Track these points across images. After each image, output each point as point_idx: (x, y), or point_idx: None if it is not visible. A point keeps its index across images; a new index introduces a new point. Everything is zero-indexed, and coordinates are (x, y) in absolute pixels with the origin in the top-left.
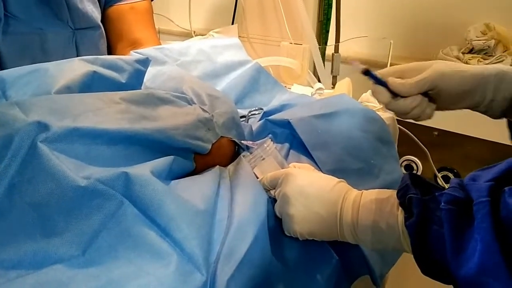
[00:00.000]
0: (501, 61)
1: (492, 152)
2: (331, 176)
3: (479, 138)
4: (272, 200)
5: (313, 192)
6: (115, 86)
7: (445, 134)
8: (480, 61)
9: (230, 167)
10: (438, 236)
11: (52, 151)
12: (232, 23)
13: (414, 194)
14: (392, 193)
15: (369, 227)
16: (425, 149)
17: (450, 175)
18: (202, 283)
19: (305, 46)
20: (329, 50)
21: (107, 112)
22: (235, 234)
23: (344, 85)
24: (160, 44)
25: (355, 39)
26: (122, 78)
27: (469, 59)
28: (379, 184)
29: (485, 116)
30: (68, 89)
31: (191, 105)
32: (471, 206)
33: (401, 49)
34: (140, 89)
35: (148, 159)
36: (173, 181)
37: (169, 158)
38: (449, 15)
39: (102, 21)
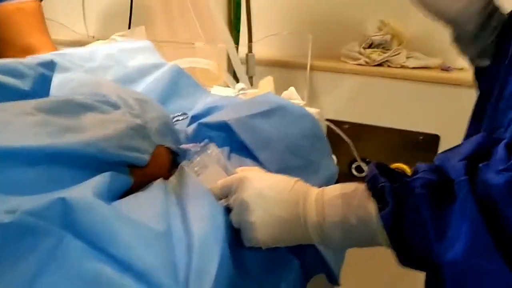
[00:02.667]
0: (398, 54)
1: (400, 140)
2: (286, 176)
3: (387, 128)
4: (225, 210)
5: (273, 195)
6: (17, 95)
7: (355, 126)
8: (380, 55)
9: (172, 179)
10: (416, 223)
11: None
12: (129, 27)
13: (385, 182)
14: (357, 186)
15: (338, 224)
16: (349, 140)
17: (363, 165)
18: None
19: (221, 46)
20: (241, 51)
21: (18, 126)
22: (200, 255)
23: (268, 84)
24: (57, 49)
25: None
26: (24, 85)
27: (371, 53)
28: (320, 179)
29: (394, 106)
30: None
31: (117, 110)
32: (446, 187)
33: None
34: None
35: (79, 179)
36: (115, 202)
37: (106, 175)
38: (346, 13)
39: None
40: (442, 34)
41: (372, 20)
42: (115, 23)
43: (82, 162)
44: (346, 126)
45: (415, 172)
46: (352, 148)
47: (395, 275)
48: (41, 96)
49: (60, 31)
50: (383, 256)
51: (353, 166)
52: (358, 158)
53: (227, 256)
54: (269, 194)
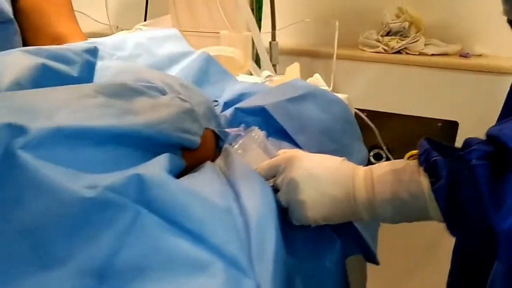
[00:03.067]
0: (416, 41)
1: (419, 127)
2: (332, 156)
3: (405, 115)
4: (273, 190)
5: (322, 174)
6: (67, 81)
7: (373, 114)
8: (398, 42)
9: (219, 161)
10: (472, 194)
11: (37, 159)
12: (145, 17)
13: (438, 156)
14: (407, 162)
15: (388, 200)
16: (375, 128)
17: (382, 152)
18: (255, 287)
19: (247, 34)
20: (263, 39)
21: (85, 107)
22: (258, 232)
23: (295, 70)
24: (86, 39)
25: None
26: (73, 71)
27: (389, 41)
28: (353, 162)
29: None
30: (18, 86)
31: (165, 95)
32: (503, 157)
33: (321, 36)
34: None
35: (139, 160)
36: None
37: (165, 156)
38: (364, 1)
39: (14, 15)
40: (461, 21)
41: (390, 8)
42: (132, 13)
43: (141, 144)
44: (364, 113)
45: (467, 146)
46: (377, 134)
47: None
48: (87, 82)
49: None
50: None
51: (371, 153)
52: (382, 144)
53: (280, 234)
54: (318, 172)
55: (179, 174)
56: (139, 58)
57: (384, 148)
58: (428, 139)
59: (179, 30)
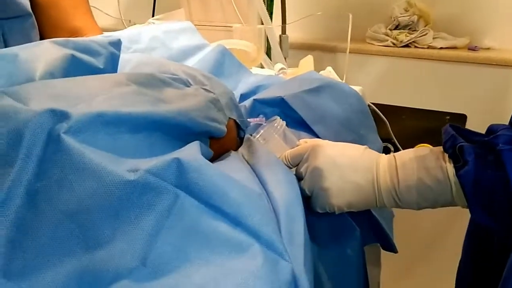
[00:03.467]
0: (425, 34)
1: (427, 120)
2: (355, 144)
3: (414, 108)
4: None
5: (346, 161)
6: (94, 73)
7: (381, 107)
8: (407, 36)
9: (242, 150)
10: (497, 179)
11: (81, 143)
12: (153, 11)
13: (463, 142)
14: (431, 149)
15: (414, 186)
16: (385, 118)
17: (390, 145)
18: (290, 270)
19: (260, 28)
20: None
21: (120, 94)
22: (287, 217)
23: (308, 63)
24: (102, 32)
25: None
26: (99, 63)
27: (397, 35)
28: None
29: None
30: (51, 76)
31: (189, 86)
32: None
33: (330, 30)
34: None
35: (171, 147)
36: None
37: (196, 144)
38: None
39: (32, 9)
40: (469, 14)
41: (399, 1)
42: (141, 7)
43: (173, 131)
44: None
45: (491, 132)
46: (388, 127)
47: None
48: None
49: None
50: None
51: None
52: (393, 137)
53: (305, 220)
54: (342, 160)
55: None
56: (155, 51)
57: (396, 141)
58: (452, 126)
59: (193, 23)
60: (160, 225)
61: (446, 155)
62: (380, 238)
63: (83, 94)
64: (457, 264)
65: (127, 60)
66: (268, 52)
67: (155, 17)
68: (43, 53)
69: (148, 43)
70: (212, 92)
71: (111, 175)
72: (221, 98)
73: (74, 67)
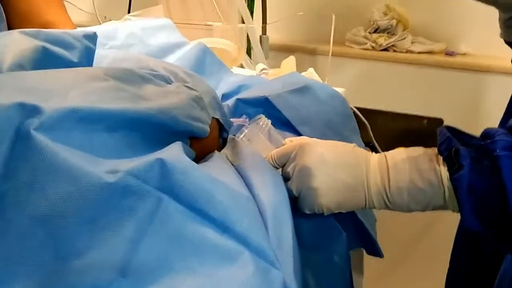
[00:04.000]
0: (403, 38)
1: (405, 124)
2: (344, 142)
3: (392, 112)
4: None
5: (335, 159)
6: (66, 67)
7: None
8: (386, 39)
9: (226, 151)
10: (493, 185)
11: (54, 141)
12: (129, 8)
13: (459, 145)
14: (425, 150)
15: (405, 188)
16: (366, 122)
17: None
18: (282, 279)
19: (241, 27)
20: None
21: (97, 90)
22: (274, 220)
23: (291, 64)
24: (76, 27)
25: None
26: (73, 57)
27: (377, 38)
28: None
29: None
30: (20, 68)
31: (170, 83)
32: None
33: (311, 31)
34: None
35: (152, 147)
36: None
37: (178, 144)
38: None
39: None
40: (446, 20)
41: (378, 5)
42: (116, 3)
43: (154, 131)
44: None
45: (487, 136)
46: (369, 131)
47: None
48: None
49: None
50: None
51: None
52: (373, 140)
53: (293, 224)
54: (331, 158)
55: None
56: (132, 48)
57: (374, 142)
58: (448, 127)
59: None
60: (142, 232)
61: (440, 158)
62: (365, 242)
63: (57, 88)
64: (435, 267)
65: (104, 56)
66: (249, 52)
67: (131, 13)
68: (11, 44)
69: (125, 39)
70: (195, 90)
71: (87, 177)
72: (204, 96)
73: (45, 60)
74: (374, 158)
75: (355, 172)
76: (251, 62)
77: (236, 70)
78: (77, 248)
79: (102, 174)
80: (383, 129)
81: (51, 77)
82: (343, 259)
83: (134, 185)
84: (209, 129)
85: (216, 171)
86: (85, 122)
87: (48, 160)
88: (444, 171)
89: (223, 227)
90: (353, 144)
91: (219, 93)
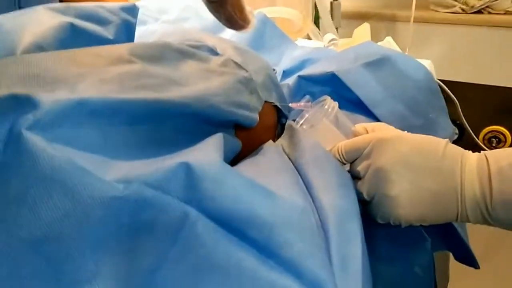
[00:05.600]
0: None
1: (503, 99)
2: (434, 137)
3: (487, 85)
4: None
5: (422, 162)
6: (100, 44)
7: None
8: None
9: (282, 141)
10: None
11: (50, 143)
12: None
13: None
14: None
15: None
16: (454, 98)
17: (455, 128)
18: None
19: None
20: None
21: (117, 76)
22: (339, 235)
23: (365, 32)
24: (127, 1)
25: None
26: (108, 33)
27: None
28: None
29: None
30: (39, 49)
31: (217, 56)
32: None
33: None
34: None
35: (185, 142)
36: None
37: (219, 138)
38: None
39: None
40: None
41: None
42: None
43: (188, 122)
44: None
45: None
46: (458, 108)
47: None
48: None
49: None
50: None
51: None
52: (463, 119)
53: (363, 235)
54: (416, 160)
55: (234, 160)
56: (187, 22)
57: (466, 125)
58: None
59: None
60: (162, 257)
61: None
62: (455, 247)
63: (67, 75)
64: None
65: (152, 32)
66: (317, 22)
67: None
68: (33, 22)
69: (179, 13)
70: (244, 69)
71: (90, 189)
72: (257, 75)
73: (73, 38)
74: (472, 159)
75: (446, 179)
76: (319, 33)
77: (301, 42)
78: (82, 277)
79: (109, 185)
80: (474, 105)
81: (64, 61)
82: (426, 269)
83: (152, 197)
84: (257, 117)
85: (265, 171)
86: (98, 116)
87: (41, 167)
88: None
89: (267, 252)
90: (445, 140)
91: (280, 69)
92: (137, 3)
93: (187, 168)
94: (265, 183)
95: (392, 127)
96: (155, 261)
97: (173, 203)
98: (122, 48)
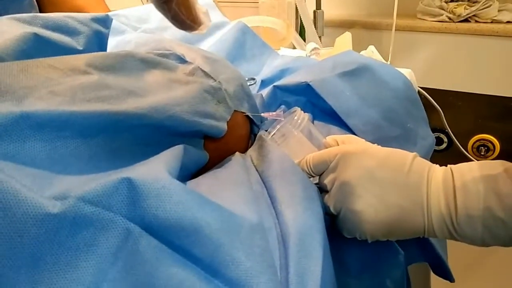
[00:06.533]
0: (488, 6)
1: (488, 107)
2: (402, 150)
3: (473, 93)
4: (318, 190)
5: (387, 176)
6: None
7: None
8: (467, 8)
9: (251, 152)
10: None
11: None
12: None
13: None
14: (506, 166)
15: (479, 217)
16: (440, 109)
17: (443, 136)
18: None
19: (290, 2)
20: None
21: (70, 88)
22: (298, 250)
23: (346, 41)
24: (110, 11)
25: None
26: (77, 43)
27: (455, 7)
28: (419, 152)
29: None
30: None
31: (185, 64)
32: None
33: (373, 4)
34: None
35: (143, 154)
36: (190, 183)
37: (178, 149)
38: None
39: None
40: None
41: None
42: None
43: (148, 133)
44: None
45: None
46: (442, 116)
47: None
48: None
49: None
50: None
51: None
52: (447, 127)
53: (327, 249)
54: (382, 174)
55: (200, 171)
56: (167, 31)
57: (450, 133)
58: None
59: (214, 1)
60: (102, 277)
61: None
62: (431, 259)
63: (15, 87)
64: None
65: (127, 41)
66: (302, 31)
67: None
68: None
69: (160, 22)
70: (212, 78)
71: (25, 206)
72: (227, 84)
73: (38, 49)
74: (438, 173)
75: (412, 194)
76: (304, 42)
77: (284, 51)
78: None
79: (44, 202)
80: (461, 114)
81: (15, 73)
82: (399, 283)
83: (91, 213)
84: (225, 127)
85: (223, 184)
86: (45, 129)
87: None
88: None
89: (213, 271)
90: (413, 154)
91: (259, 79)
92: (117, 12)
93: (130, 184)
94: (219, 198)
95: (361, 140)
96: (94, 281)
97: (116, 219)
98: (79, 59)
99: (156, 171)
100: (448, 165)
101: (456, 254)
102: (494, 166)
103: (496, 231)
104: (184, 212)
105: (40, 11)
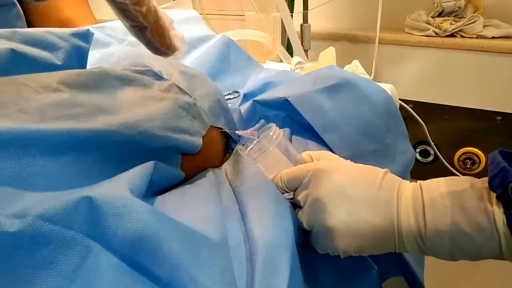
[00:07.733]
0: (474, 22)
1: (474, 121)
2: (373, 167)
3: (458, 107)
4: (291, 205)
5: (358, 192)
6: (47, 71)
7: (420, 105)
8: (453, 24)
9: (226, 166)
10: None
11: None
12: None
13: None
14: (471, 182)
15: (446, 232)
16: (422, 122)
17: (430, 149)
18: None
19: (275, 15)
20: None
21: (40, 106)
22: (265, 265)
23: (329, 56)
24: (97, 22)
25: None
26: (57, 59)
27: (441, 23)
28: (397, 167)
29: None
30: None
31: (161, 80)
32: None
33: (361, 17)
34: None
35: (115, 171)
36: (156, 201)
37: (147, 166)
38: None
39: None
40: None
41: None
42: None
43: (120, 150)
44: (410, 105)
45: None
46: (425, 129)
47: None
48: None
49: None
50: None
51: (417, 150)
52: (430, 141)
53: (297, 265)
54: (352, 191)
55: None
56: None
57: (432, 144)
58: (503, 152)
59: (202, 14)
60: None
61: (493, 195)
62: (406, 274)
63: None
64: None
65: (110, 54)
66: (290, 44)
67: (162, 5)
68: None
69: None
70: (187, 94)
71: None
72: (203, 100)
73: (14, 65)
74: (408, 189)
75: (383, 210)
76: (292, 56)
77: (270, 64)
78: None
79: (1, 220)
80: (447, 127)
81: None
82: None
83: (50, 231)
84: (200, 143)
85: (189, 201)
86: (11, 147)
87: None
88: (498, 214)
89: None
90: (384, 170)
91: (242, 93)
92: (103, 24)
93: (90, 202)
94: (182, 215)
95: (335, 156)
96: None
97: (76, 237)
98: (52, 77)
99: (118, 189)
100: (418, 181)
101: (441, 266)
102: (461, 182)
103: (463, 245)
104: (144, 231)
105: (28, 22)
